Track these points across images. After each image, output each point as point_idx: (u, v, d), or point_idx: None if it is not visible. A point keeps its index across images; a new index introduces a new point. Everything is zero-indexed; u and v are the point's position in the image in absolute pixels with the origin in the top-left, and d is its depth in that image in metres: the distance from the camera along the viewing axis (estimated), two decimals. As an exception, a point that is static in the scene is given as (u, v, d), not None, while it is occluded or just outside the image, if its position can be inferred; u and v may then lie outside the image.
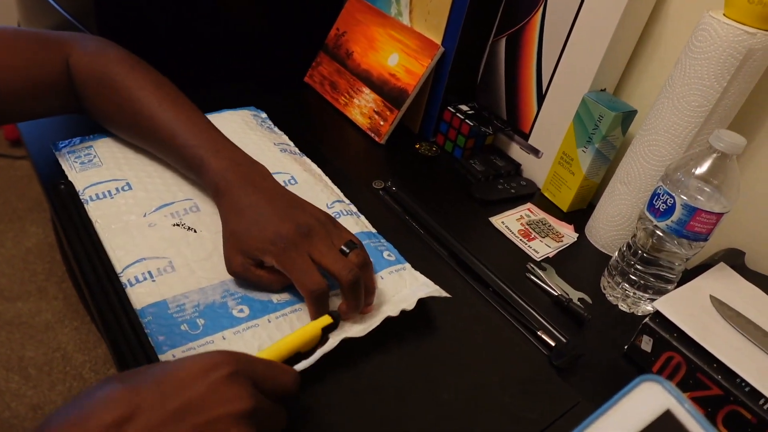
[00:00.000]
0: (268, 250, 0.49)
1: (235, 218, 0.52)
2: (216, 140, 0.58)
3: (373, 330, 0.50)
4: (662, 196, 0.56)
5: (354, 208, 0.66)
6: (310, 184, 0.66)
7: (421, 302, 0.54)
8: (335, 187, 0.69)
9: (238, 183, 0.54)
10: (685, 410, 0.30)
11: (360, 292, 0.50)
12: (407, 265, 0.59)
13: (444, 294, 0.55)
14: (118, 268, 0.52)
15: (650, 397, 0.31)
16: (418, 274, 0.58)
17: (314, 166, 0.72)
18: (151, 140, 0.61)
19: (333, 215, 0.62)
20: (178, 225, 0.57)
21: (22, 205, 1.76)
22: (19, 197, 1.79)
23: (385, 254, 0.59)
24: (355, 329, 0.50)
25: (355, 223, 0.62)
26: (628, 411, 0.31)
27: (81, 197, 0.58)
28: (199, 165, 0.56)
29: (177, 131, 0.58)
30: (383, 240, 0.62)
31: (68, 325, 1.45)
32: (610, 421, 0.31)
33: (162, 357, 0.45)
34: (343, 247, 0.51)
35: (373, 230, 0.63)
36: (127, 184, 0.60)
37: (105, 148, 0.65)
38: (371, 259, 0.55)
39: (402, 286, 0.56)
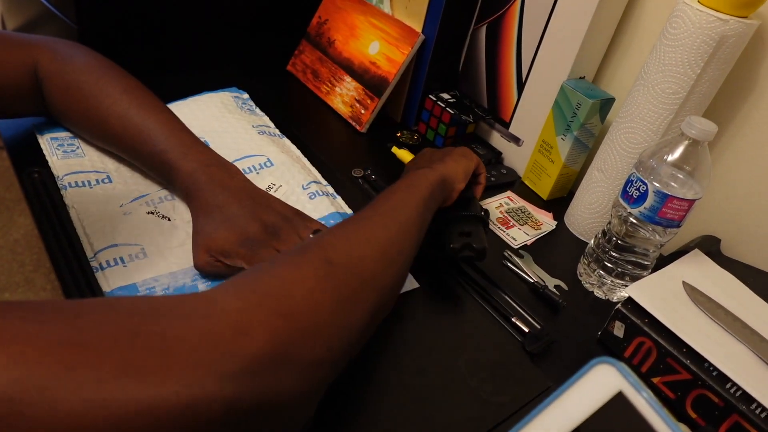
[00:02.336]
0: (237, 253, 0.51)
1: (204, 218, 0.53)
2: (184, 142, 0.58)
3: None
4: (635, 183, 0.57)
5: (331, 189, 0.66)
6: (287, 165, 0.66)
7: None
8: (313, 168, 0.69)
9: (207, 184, 0.55)
10: (637, 392, 0.30)
11: None
12: None
13: (413, 285, 0.55)
14: (89, 253, 0.52)
15: (603, 379, 0.31)
16: None
17: (293, 147, 0.72)
18: (121, 148, 0.60)
19: (308, 195, 0.62)
20: (152, 213, 0.58)
21: (10, 196, 1.75)
22: (6, 187, 1.78)
23: None
24: None
25: (331, 204, 0.63)
26: (581, 393, 0.31)
27: (59, 182, 0.59)
28: (168, 170, 0.57)
29: (145, 138, 0.58)
30: None
31: (57, 316, 1.45)
32: (564, 403, 0.32)
33: None
34: (311, 235, 0.52)
35: (349, 211, 0.64)
36: (108, 177, 0.61)
37: (89, 141, 0.64)
38: None
39: None
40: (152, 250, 0.54)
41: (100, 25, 0.82)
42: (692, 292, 0.56)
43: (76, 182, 0.59)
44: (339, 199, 0.65)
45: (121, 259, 0.52)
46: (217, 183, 0.55)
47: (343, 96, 0.86)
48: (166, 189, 0.61)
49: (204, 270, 0.52)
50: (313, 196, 0.63)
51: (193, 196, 0.55)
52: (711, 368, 0.49)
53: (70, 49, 0.62)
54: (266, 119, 0.76)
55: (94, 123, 0.60)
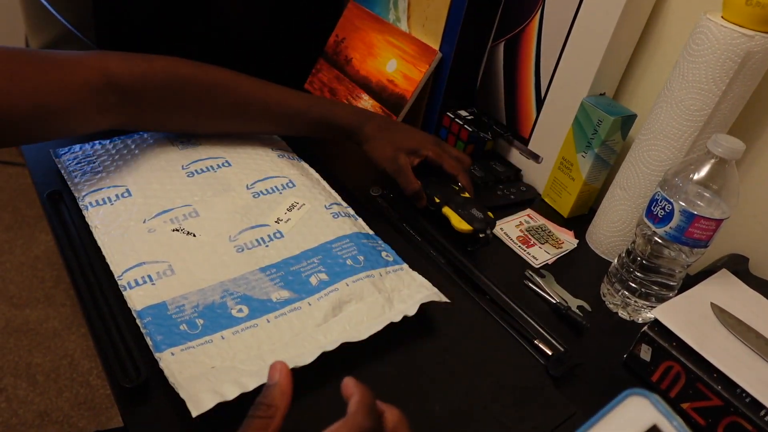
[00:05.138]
0: (427, 146, 0.70)
1: (388, 133, 0.70)
2: (321, 99, 0.73)
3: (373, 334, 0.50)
4: (660, 202, 0.55)
5: (351, 211, 0.66)
6: (308, 187, 0.66)
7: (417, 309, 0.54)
8: (333, 191, 0.69)
9: (368, 117, 0.71)
10: (672, 426, 0.29)
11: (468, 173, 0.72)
12: (405, 266, 0.59)
13: (443, 299, 0.55)
14: (117, 272, 0.52)
15: (637, 412, 0.30)
16: (415, 274, 0.58)
17: (312, 170, 0.72)
18: (261, 123, 0.70)
19: (332, 215, 0.63)
20: (177, 230, 0.58)
21: (32, 213, 1.78)
22: (28, 204, 1.81)
23: (384, 254, 0.59)
24: (355, 333, 0.50)
25: (353, 224, 0.62)
26: (614, 426, 0.30)
27: (80, 203, 0.59)
28: (320, 120, 0.70)
29: (292, 102, 0.69)
30: (380, 241, 0.62)
31: (75, 332, 1.46)
32: (596, 436, 0.31)
33: (160, 355, 0.45)
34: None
35: (371, 232, 0.63)
36: (127, 190, 0.61)
37: (105, 156, 0.65)
38: (370, 258, 0.58)
39: (401, 287, 0.56)
40: (179, 267, 0.54)
41: (119, 45, 0.83)
42: (721, 314, 0.55)
43: (96, 201, 0.59)
44: (360, 220, 0.65)
45: (149, 277, 0.52)
46: (374, 115, 0.72)
47: (361, 114, 0.86)
48: (189, 204, 0.60)
49: (400, 164, 0.69)
50: (336, 216, 0.62)
51: (362, 127, 0.70)
52: (744, 394, 0.48)
53: (130, 54, 0.61)
54: (284, 144, 0.76)
55: (230, 105, 0.67)
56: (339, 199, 0.68)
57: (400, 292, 0.56)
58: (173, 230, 0.57)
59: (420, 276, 0.58)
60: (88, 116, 0.58)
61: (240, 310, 0.51)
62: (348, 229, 0.61)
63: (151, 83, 0.60)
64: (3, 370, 1.35)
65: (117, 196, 0.60)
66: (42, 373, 1.36)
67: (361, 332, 0.50)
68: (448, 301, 0.55)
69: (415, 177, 0.69)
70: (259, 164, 0.68)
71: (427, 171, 0.75)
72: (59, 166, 0.64)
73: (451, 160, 0.70)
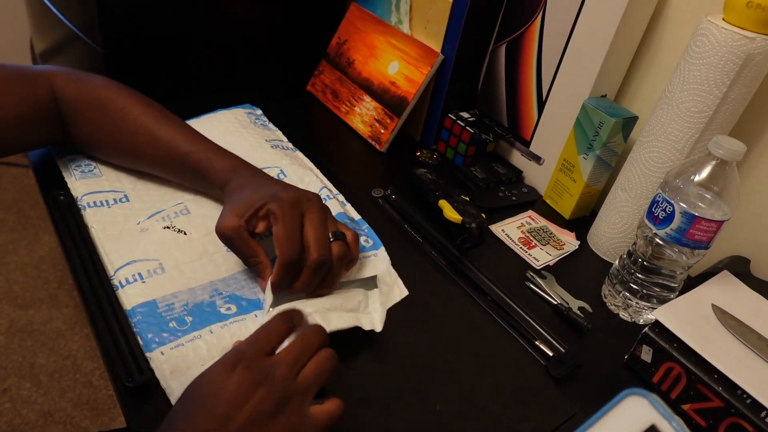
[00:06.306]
0: (266, 203, 0.51)
1: (238, 190, 0.55)
2: (218, 147, 0.61)
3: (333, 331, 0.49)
4: (661, 203, 0.56)
5: (342, 198, 0.68)
6: (300, 175, 0.67)
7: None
8: (324, 178, 0.70)
9: (245, 172, 0.58)
10: (671, 426, 0.29)
11: (317, 278, 0.51)
12: (381, 250, 0.61)
13: (404, 293, 0.56)
14: (110, 271, 0.53)
15: (635, 411, 0.30)
16: (383, 254, 0.60)
17: (306, 159, 0.73)
18: (150, 156, 0.62)
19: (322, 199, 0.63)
20: (168, 228, 0.58)
21: (36, 214, 1.78)
22: (32, 206, 1.82)
23: (363, 239, 0.61)
24: (325, 319, 0.49)
25: (340, 207, 0.63)
26: (613, 426, 0.31)
27: (78, 203, 0.60)
28: (206, 166, 0.59)
29: (179, 142, 0.60)
30: (365, 226, 0.64)
31: (79, 333, 1.46)
32: (594, 435, 0.31)
33: (150, 354, 0.46)
34: (331, 233, 0.52)
35: (357, 217, 0.65)
36: (125, 196, 0.62)
37: (106, 162, 0.66)
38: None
39: (363, 273, 0.57)
40: (170, 265, 0.54)
41: (124, 47, 0.84)
42: (722, 315, 0.55)
43: (94, 202, 0.60)
44: (348, 206, 0.67)
45: (140, 275, 0.52)
46: (255, 172, 0.59)
47: (363, 116, 0.86)
48: (181, 202, 0.61)
49: (227, 233, 0.51)
50: (325, 200, 0.63)
51: (231, 181, 0.57)
52: (744, 395, 0.48)
53: (82, 72, 0.63)
54: (279, 134, 0.77)
55: (123, 135, 0.61)
56: (330, 185, 0.69)
57: (373, 300, 0.55)
58: (164, 227, 0.58)
59: (387, 257, 0.59)
60: (48, 126, 0.61)
61: (228, 308, 0.52)
62: (335, 211, 0.61)
63: (81, 103, 0.61)
64: (7, 371, 1.36)
65: (115, 200, 0.61)
66: (45, 374, 1.37)
67: (330, 320, 0.49)
68: (407, 293, 0.57)
69: (256, 247, 0.52)
70: (251, 155, 0.68)
71: (428, 169, 0.75)
72: (60, 164, 0.64)
73: (288, 236, 0.50)
